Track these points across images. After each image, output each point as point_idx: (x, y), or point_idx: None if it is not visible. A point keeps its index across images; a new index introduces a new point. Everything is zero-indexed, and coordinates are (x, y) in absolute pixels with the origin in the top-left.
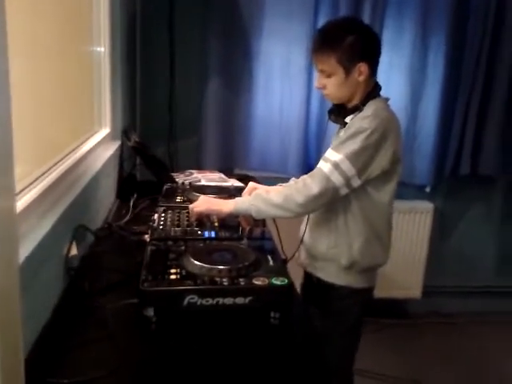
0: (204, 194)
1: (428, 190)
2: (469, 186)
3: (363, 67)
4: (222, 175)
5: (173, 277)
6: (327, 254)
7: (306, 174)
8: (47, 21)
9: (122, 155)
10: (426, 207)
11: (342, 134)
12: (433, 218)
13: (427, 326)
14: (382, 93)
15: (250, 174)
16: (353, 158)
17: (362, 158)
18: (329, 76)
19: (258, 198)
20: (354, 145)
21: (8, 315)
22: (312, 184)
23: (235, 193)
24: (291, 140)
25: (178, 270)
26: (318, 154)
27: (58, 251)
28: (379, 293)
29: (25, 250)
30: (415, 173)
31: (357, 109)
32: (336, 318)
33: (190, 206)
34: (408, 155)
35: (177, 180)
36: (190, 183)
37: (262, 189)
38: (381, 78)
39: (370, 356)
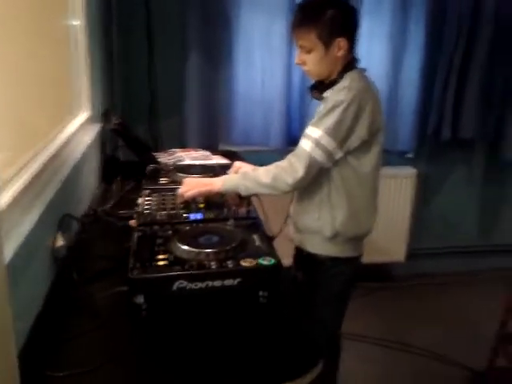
0: (188, 173)
1: (410, 155)
2: (450, 150)
3: (342, 42)
4: (206, 153)
5: (161, 263)
6: (312, 227)
7: (289, 146)
8: None
9: (103, 138)
10: (408, 172)
11: (321, 108)
12: (416, 183)
13: (412, 288)
14: (364, 61)
15: (235, 149)
16: (332, 132)
17: (341, 131)
18: (308, 52)
19: (246, 177)
20: (332, 119)
21: None
22: (297, 164)
23: (220, 171)
24: (273, 113)
25: (166, 256)
26: (301, 126)
27: (45, 243)
28: (364, 258)
29: (12, 247)
30: (397, 139)
31: (334, 83)
32: (323, 286)
33: (179, 191)
34: (390, 122)
35: (160, 160)
36: (174, 163)
37: (248, 167)
38: (362, 45)
39: (356, 320)
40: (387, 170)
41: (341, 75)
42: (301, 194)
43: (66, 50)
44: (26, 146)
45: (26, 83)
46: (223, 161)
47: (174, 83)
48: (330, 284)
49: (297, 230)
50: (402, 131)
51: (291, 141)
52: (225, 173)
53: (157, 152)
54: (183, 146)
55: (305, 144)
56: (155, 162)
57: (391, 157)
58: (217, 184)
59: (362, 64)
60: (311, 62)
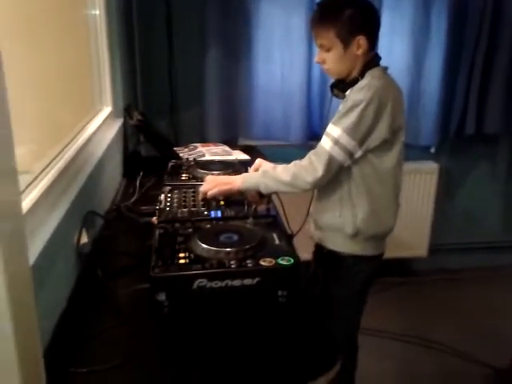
0: (209, 170)
1: (433, 150)
2: (473, 145)
3: (362, 40)
4: (226, 148)
5: (182, 261)
6: (333, 224)
7: (309, 140)
8: None
9: (125, 133)
10: (431, 167)
11: (341, 107)
12: (438, 178)
13: (434, 283)
14: (385, 56)
15: (254, 143)
16: (351, 131)
17: (360, 130)
18: (328, 50)
19: (266, 175)
20: (351, 118)
21: (24, 312)
22: (317, 163)
23: (240, 168)
24: (294, 108)
25: (187, 254)
26: (322, 121)
27: (70, 241)
28: (386, 253)
29: (37, 246)
30: (420, 134)
31: (355, 81)
32: (344, 284)
33: (201, 189)
34: (412, 116)
35: (181, 155)
36: (195, 159)
37: (268, 165)
38: (383, 41)
39: (376, 315)
40: (409, 165)
41: (362, 73)
42: (321, 191)
43: (88, 47)
44: (52, 140)
45: (51, 78)
46: (243, 156)
47: (195, 78)
48: (350, 282)
49: (317, 227)
50: (425, 126)
51: (311, 135)
52: (245, 169)
53: (178, 147)
54: (203, 140)
55: (325, 142)
56: (176, 157)
57: (413, 151)
58: (237, 182)
59: (382, 58)
60: (331, 60)
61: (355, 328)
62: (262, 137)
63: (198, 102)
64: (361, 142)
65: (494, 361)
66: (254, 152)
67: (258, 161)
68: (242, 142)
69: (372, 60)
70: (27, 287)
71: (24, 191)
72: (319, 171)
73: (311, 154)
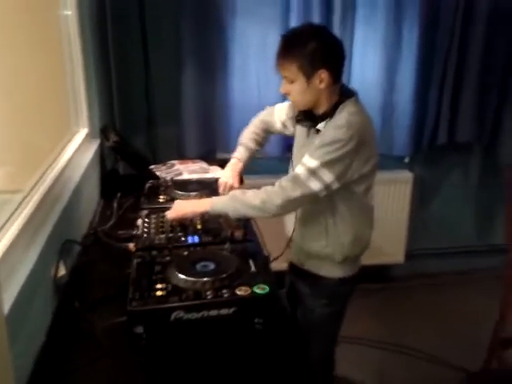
0: (186, 191)
1: (407, 160)
2: (446, 154)
3: (324, 74)
4: (204, 164)
5: (159, 293)
6: (320, 253)
7: (286, 153)
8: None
9: (102, 153)
10: (405, 176)
11: (317, 141)
12: (412, 187)
13: (411, 288)
14: (358, 69)
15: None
16: (329, 165)
17: (338, 167)
18: (291, 82)
19: (234, 199)
20: (331, 154)
21: None
22: (289, 188)
23: (217, 186)
24: None
25: (164, 285)
26: None
27: (47, 274)
28: (364, 260)
29: (15, 286)
30: (394, 144)
31: (327, 115)
32: (328, 304)
33: (167, 216)
34: (386, 128)
35: (158, 174)
36: (172, 179)
37: (237, 190)
38: (356, 53)
39: (355, 322)
40: (384, 175)
41: (334, 108)
42: (305, 220)
43: (62, 67)
44: (28, 166)
45: (25, 101)
46: (220, 173)
47: (171, 94)
48: (335, 302)
49: (303, 253)
50: (398, 137)
51: (288, 148)
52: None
53: (156, 164)
54: (181, 155)
55: (300, 171)
56: (154, 176)
57: (388, 161)
58: (204, 206)
59: (355, 72)
60: (295, 92)
61: (334, 343)
62: None
63: (175, 118)
64: (339, 177)
65: (469, 365)
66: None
67: (222, 180)
68: (220, 155)
69: (341, 93)
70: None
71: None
72: (291, 193)
73: (282, 181)
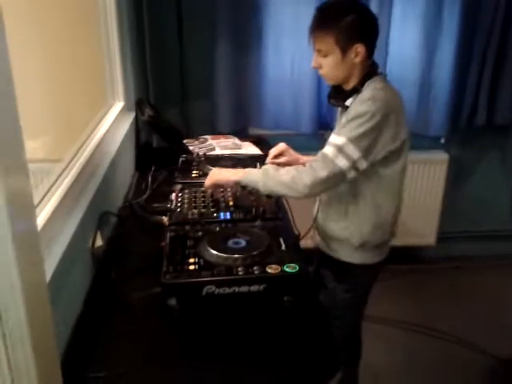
0: (219, 166)
1: (443, 140)
2: (483, 136)
3: (360, 48)
4: (236, 140)
5: (191, 267)
6: (339, 235)
7: (319, 130)
8: None
9: (137, 126)
10: (441, 157)
11: (343, 118)
12: (448, 168)
13: (441, 271)
14: (396, 46)
15: (265, 133)
16: (355, 141)
17: (365, 141)
18: (325, 56)
19: (266, 174)
20: (357, 129)
21: (40, 317)
22: (318, 167)
23: (249, 163)
24: (304, 97)
25: (196, 260)
26: (331, 111)
27: (85, 245)
28: (394, 240)
29: (56, 255)
30: (430, 124)
31: (355, 91)
32: (348, 289)
33: (205, 183)
34: (423, 106)
35: (191, 149)
36: (205, 154)
37: (271, 166)
38: (394, 28)
39: (383, 302)
40: (419, 155)
41: (362, 83)
42: (328, 202)
43: (99, 40)
44: (67, 137)
45: (64, 73)
46: (253, 149)
47: (205, 68)
48: (355, 288)
49: (324, 236)
50: (435, 116)
51: (321, 125)
52: (254, 165)
53: (189, 138)
54: (214, 130)
55: (327, 150)
56: (187, 151)
57: (423, 141)
58: (238, 175)
59: (394, 48)
60: (328, 66)
61: (358, 327)
62: (272, 126)
63: (208, 92)
64: (365, 154)
65: (497, 351)
66: (264, 144)
67: (282, 145)
68: (253, 131)
69: (371, 69)
70: (43, 298)
71: (41, 202)
72: (319, 174)
73: (312, 162)
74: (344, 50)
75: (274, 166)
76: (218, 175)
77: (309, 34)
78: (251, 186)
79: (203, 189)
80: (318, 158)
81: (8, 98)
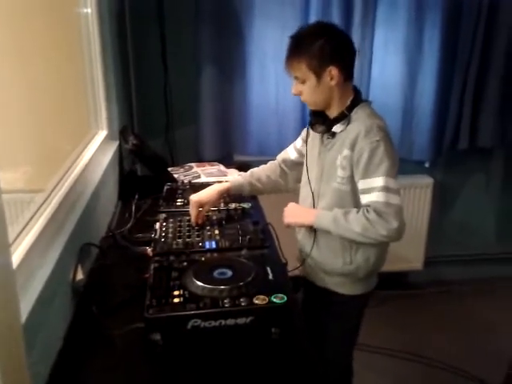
0: None
1: (427, 165)
2: (467, 159)
3: (334, 70)
4: (221, 167)
5: (176, 300)
6: (343, 271)
7: None
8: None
9: (121, 155)
10: (425, 182)
11: (355, 158)
12: (433, 192)
13: (429, 295)
14: (378, 72)
15: (250, 159)
16: (390, 172)
17: (394, 167)
18: (303, 82)
19: (336, 222)
20: (384, 161)
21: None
22: (385, 215)
23: None
24: (288, 124)
25: (181, 292)
26: None
27: (66, 279)
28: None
29: (34, 291)
30: (414, 149)
31: (344, 116)
32: (340, 321)
33: (285, 218)
34: (406, 131)
35: (176, 176)
36: (190, 182)
37: (339, 210)
38: (377, 55)
39: (372, 329)
40: (404, 179)
41: (350, 109)
42: (326, 237)
43: (82, 68)
44: (50, 167)
45: (47, 102)
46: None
47: (189, 96)
48: (348, 319)
49: (321, 271)
50: (419, 141)
51: None
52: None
53: (173, 166)
54: (199, 158)
55: (377, 197)
56: (172, 179)
57: (408, 166)
58: (311, 218)
59: (376, 74)
60: (306, 92)
61: (350, 358)
62: (257, 153)
63: (193, 120)
64: (396, 178)
65: (486, 377)
66: (248, 169)
67: (194, 201)
68: (237, 158)
69: (356, 95)
70: (17, 339)
71: (19, 235)
72: (393, 223)
73: (372, 210)
74: (318, 75)
75: (342, 210)
76: (297, 217)
77: (285, 63)
78: (322, 229)
79: (189, 218)
80: (375, 208)
81: None
